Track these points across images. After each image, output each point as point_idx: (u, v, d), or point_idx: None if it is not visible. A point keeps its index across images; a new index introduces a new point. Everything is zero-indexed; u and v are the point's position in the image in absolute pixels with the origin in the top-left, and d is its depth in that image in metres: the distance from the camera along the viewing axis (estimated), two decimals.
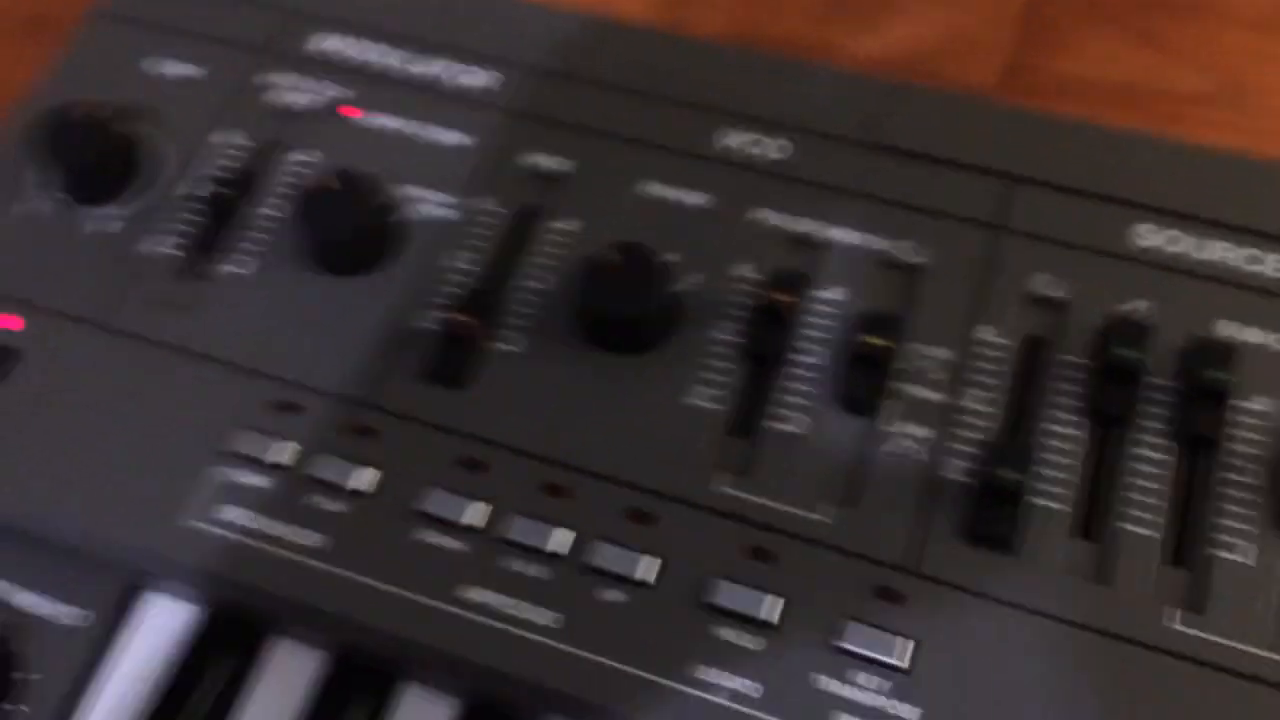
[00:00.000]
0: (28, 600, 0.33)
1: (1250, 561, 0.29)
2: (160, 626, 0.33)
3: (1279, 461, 0.30)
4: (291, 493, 0.32)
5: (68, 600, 0.33)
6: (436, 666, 0.31)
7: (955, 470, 0.31)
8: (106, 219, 0.37)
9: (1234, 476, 0.30)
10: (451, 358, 0.33)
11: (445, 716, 0.31)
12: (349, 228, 0.34)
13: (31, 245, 0.36)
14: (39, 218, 0.37)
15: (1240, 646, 0.28)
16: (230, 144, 0.38)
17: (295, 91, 0.38)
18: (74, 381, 0.34)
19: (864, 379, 0.32)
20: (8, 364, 0.35)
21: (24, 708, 0.32)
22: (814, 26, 0.52)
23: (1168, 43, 0.51)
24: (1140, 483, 0.31)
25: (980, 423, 0.32)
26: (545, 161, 0.37)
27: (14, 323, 0.35)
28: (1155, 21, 0.51)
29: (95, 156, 0.36)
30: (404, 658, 0.31)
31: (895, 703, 0.28)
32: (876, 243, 0.34)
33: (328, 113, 0.38)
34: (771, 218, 0.35)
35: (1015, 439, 0.31)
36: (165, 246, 0.36)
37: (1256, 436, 0.31)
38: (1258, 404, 0.31)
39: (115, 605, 0.33)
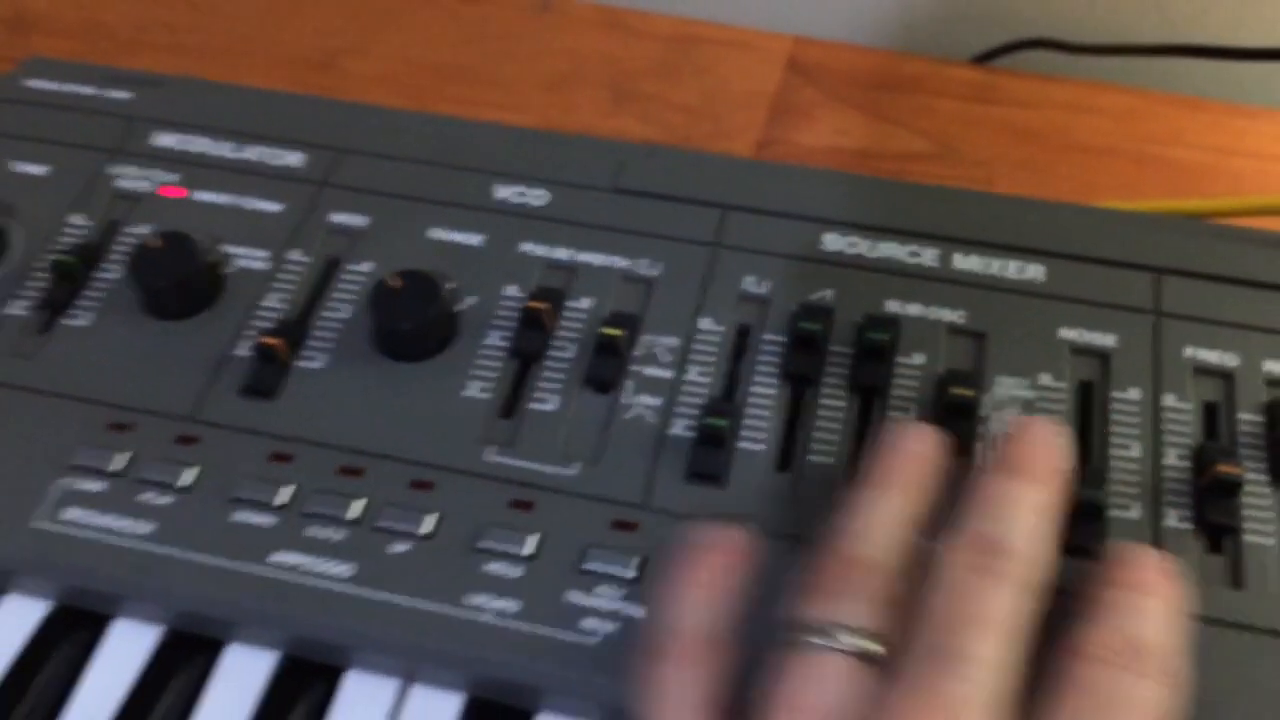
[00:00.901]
0: None
1: None
2: (13, 625, 0.38)
3: (933, 401, 0.38)
4: (125, 493, 0.38)
5: None
6: (258, 625, 0.36)
7: (680, 428, 0.38)
8: None
9: (897, 414, 0.38)
10: (263, 374, 0.40)
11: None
12: (172, 277, 0.41)
13: None
14: None
15: None
16: (77, 225, 0.44)
17: (134, 180, 0.46)
18: None
19: (606, 363, 0.39)
20: None
21: None
22: (603, 119, 0.62)
23: (890, 114, 0.61)
24: (825, 425, 0.38)
25: (700, 390, 0.39)
26: (346, 219, 0.44)
27: None
28: (880, 98, 0.61)
29: None
30: (229, 622, 0.37)
31: (629, 605, 0.35)
32: (618, 262, 0.42)
33: (159, 195, 0.45)
34: (535, 249, 0.43)
35: (725, 398, 0.39)
36: (16, 309, 0.42)
37: (913, 384, 0.39)
38: (915, 359, 0.39)
39: None
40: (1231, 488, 0.35)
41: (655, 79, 0.62)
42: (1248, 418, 0.38)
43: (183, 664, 0.37)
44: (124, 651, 0.37)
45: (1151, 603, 0.30)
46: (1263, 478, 0.36)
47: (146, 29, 0.65)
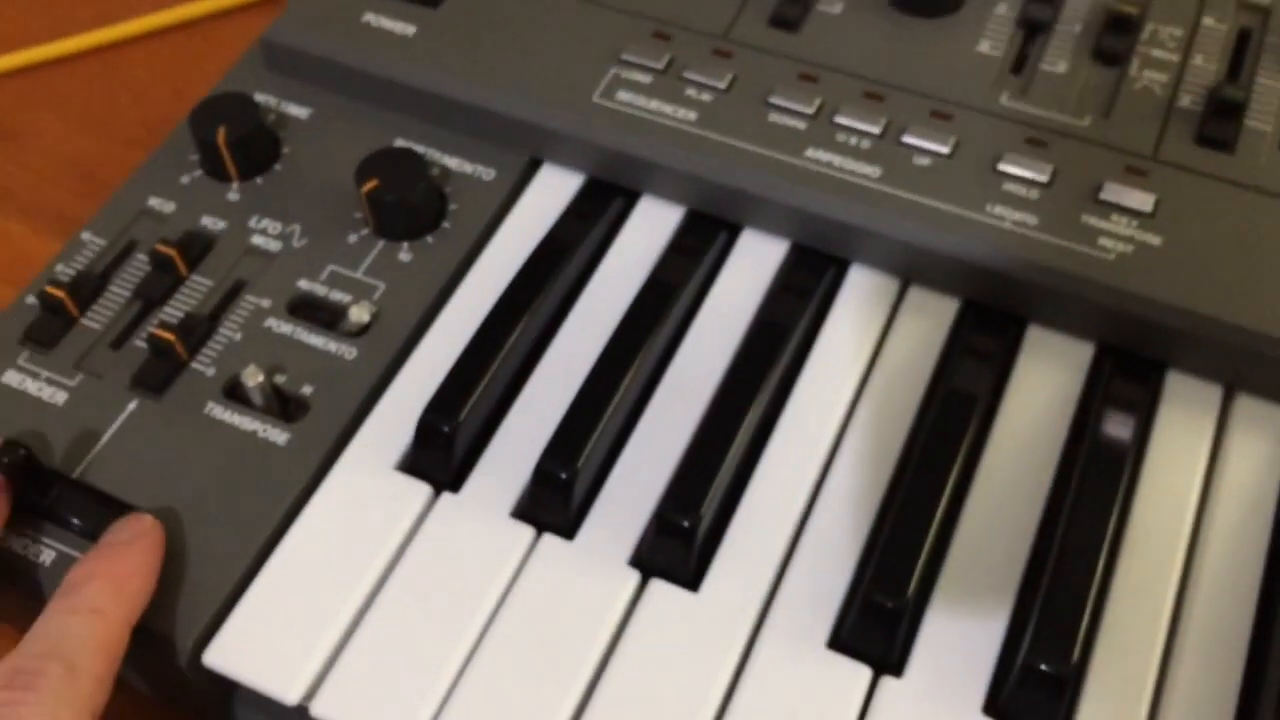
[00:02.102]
0: (454, 162, 0.44)
1: None
2: (555, 188, 0.43)
3: None
4: (670, 86, 0.42)
5: (487, 163, 0.43)
6: (783, 210, 0.40)
7: (1187, 102, 0.41)
8: None
9: None
10: (786, 5, 0.44)
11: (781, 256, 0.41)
12: None
13: None
14: None
15: None
16: None
17: None
18: (502, 12, 0.45)
19: (1116, 39, 0.42)
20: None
21: (447, 225, 0.42)
22: None
23: None
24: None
25: (1206, 75, 0.41)
26: None
27: None
28: None
29: None
30: (760, 201, 0.41)
31: (1142, 233, 0.38)
32: None
33: None
34: None
35: (1234, 80, 0.41)
36: None
37: None
38: None
39: (523, 170, 0.43)
40: None
41: None
42: None
43: (703, 246, 0.42)
44: (652, 224, 0.42)
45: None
46: None
47: None
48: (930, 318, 0.39)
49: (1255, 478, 0.36)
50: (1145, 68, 0.42)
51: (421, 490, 0.36)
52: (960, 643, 0.33)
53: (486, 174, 0.43)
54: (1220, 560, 0.34)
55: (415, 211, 0.41)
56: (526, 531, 0.35)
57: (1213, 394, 0.37)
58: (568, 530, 0.35)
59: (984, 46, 0.43)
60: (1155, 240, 0.38)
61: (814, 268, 0.41)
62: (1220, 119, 0.40)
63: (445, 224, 0.42)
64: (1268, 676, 0.32)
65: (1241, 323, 0.36)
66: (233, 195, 0.43)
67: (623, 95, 0.42)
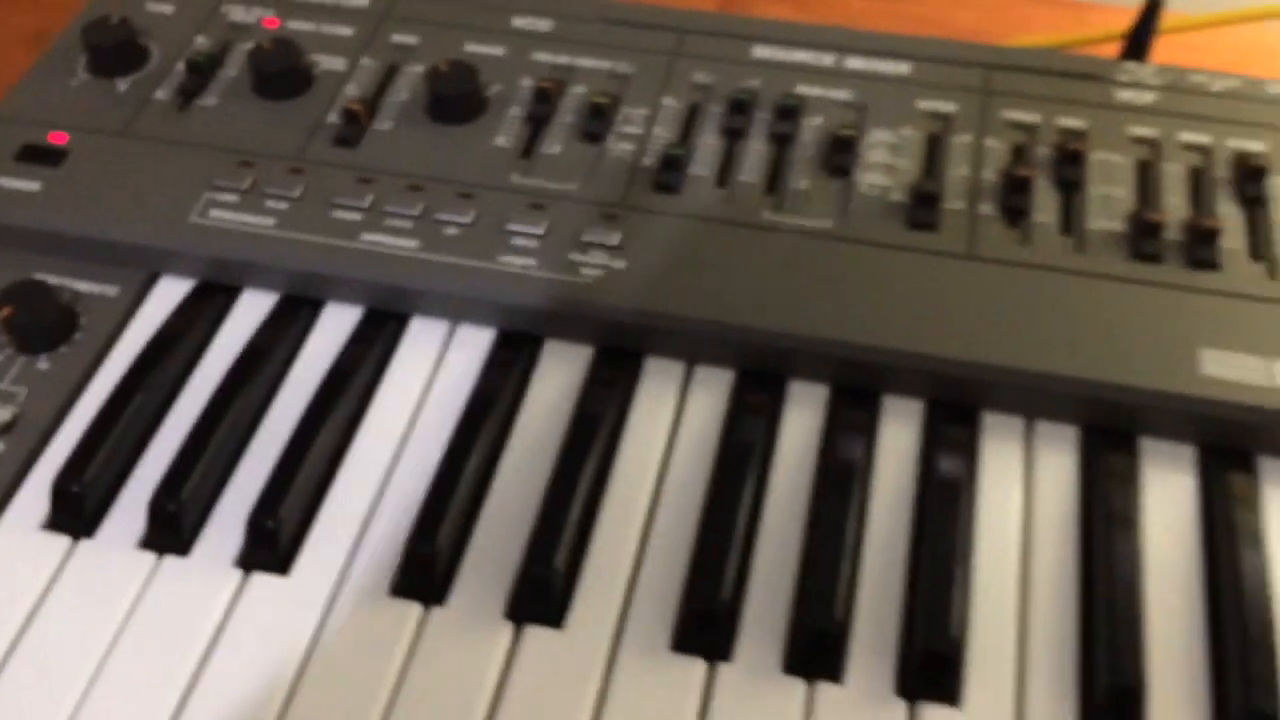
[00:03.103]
0: (84, 285, 0.53)
1: None
2: (170, 295, 0.53)
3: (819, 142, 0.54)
4: (253, 201, 0.53)
5: (111, 283, 0.53)
6: (351, 284, 0.51)
7: (648, 161, 0.54)
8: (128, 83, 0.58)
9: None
10: (348, 130, 0.55)
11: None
12: (283, 65, 0.56)
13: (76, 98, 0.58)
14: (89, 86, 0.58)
15: None
16: (201, 43, 0.60)
17: (242, 15, 0.61)
18: (112, 165, 0.55)
19: (598, 124, 0.55)
20: (57, 159, 0.55)
21: (79, 336, 0.51)
22: None
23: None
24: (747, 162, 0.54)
25: (662, 137, 0.55)
26: (401, 39, 0.60)
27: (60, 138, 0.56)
28: None
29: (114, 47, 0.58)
30: (333, 282, 0.52)
31: (612, 260, 0.50)
32: (602, 64, 0.58)
33: (261, 25, 0.61)
34: (541, 57, 0.59)
35: (679, 143, 0.55)
36: (162, 94, 0.58)
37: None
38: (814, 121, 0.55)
39: (142, 284, 0.53)
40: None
41: None
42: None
43: (291, 322, 0.52)
44: (251, 311, 0.52)
45: None
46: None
47: None
48: (471, 348, 0.51)
49: (704, 428, 0.48)
50: (619, 140, 0.55)
51: (62, 541, 0.45)
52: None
53: (111, 291, 0.53)
54: (673, 495, 0.46)
55: (47, 329, 0.50)
56: (147, 559, 0.44)
57: (677, 369, 0.50)
58: (180, 548, 0.45)
59: (500, 141, 0.55)
60: (621, 264, 0.50)
61: (381, 326, 0.52)
62: (670, 171, 0.53)
63: (77, 335, 0.51)
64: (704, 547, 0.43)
65: (688, 314, 0.49)
66: None
67: (214, 213, 0.53)
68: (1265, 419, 0.46)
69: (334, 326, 0.52)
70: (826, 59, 0.59)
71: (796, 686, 0.41)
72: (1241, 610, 0.42)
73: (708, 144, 0.55)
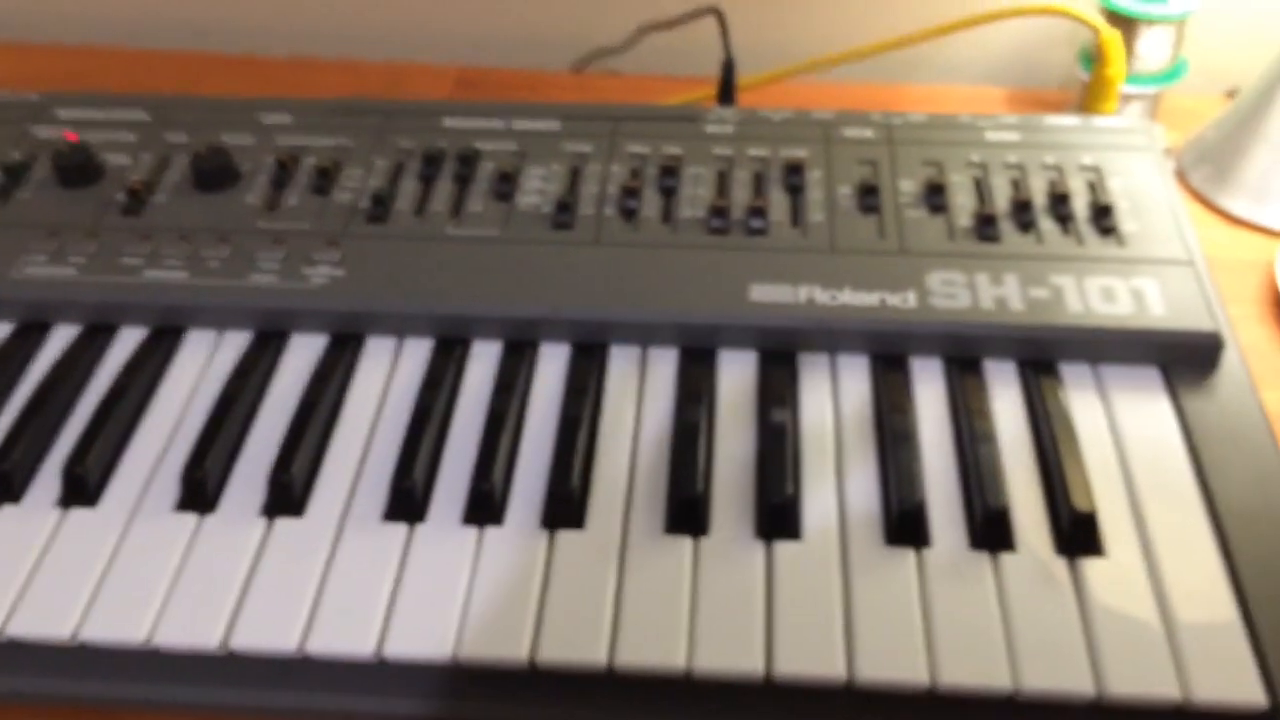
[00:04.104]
0: None
1: None
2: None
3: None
4: (60, 258, 0.70)
5: None
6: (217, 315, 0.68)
7: (348, 199, 0.73)
8: None
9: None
10: (131, 205, 0.73)
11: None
12: (78, 159, 0.74)
13: None
14: None
15: None
16: (12, 153, 0.77)
17: (45, 133, 0.79)
18: None
19: (324, 181, 0.74)
20: None
21: None
22: None
23: None
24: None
25: (374, 187, 0.74)
26: (176, 139, 0.78)
27: None
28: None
29: None
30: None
31: (334, 271, 0.68)
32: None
33: (63, 137, 0.78)
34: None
35: (383, 200, 0.74)
36: None
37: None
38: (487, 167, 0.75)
39: None
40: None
41: None
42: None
43: (89, 345, 0.68)
44: (55, 345, 0.69)
45: None
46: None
47: None
48: (230, 348, 0.68)
49: (409, 382, 0.66)
50: (341, 191, 0.74)
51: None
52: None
53: None
54: (382, 434, 0.64)
55: None
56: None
57: (390, 343, 0.68)
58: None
59: (249, 199, 0.74)
60: (342, 273, 0.68)
61: (160, 341, 0.68)
62: (378, 206, 0.72)
63: None
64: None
65: (393, 304, 0.67)
66: None
67: (29, 270, 0.69)
68: (798, 325, 0.66)
69: (124, 347, 0.68)
70: (498, 123, 0.79)
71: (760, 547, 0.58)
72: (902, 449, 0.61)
73: (408, 187, 0.74)
